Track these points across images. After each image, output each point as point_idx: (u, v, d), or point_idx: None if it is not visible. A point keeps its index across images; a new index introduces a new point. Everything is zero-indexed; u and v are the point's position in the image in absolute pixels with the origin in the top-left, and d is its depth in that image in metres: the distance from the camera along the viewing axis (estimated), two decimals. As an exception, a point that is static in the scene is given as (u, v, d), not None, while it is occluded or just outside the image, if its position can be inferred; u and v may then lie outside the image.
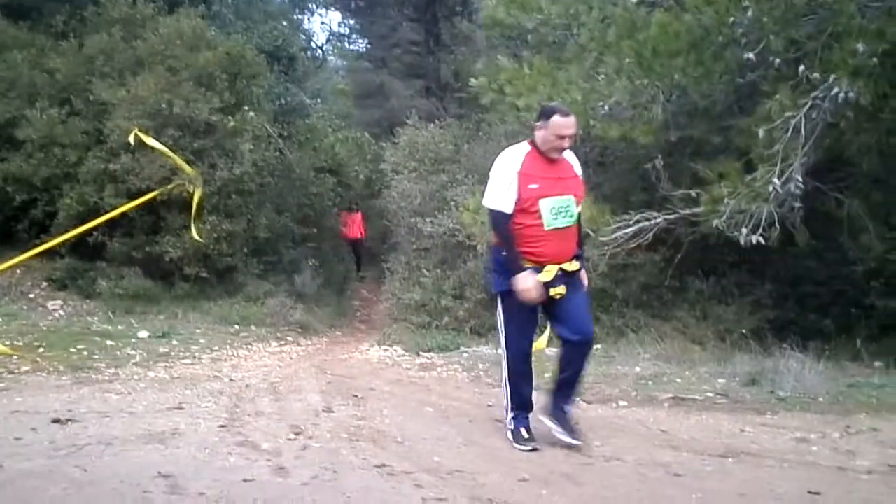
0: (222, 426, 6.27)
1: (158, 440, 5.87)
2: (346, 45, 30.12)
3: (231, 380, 8.07)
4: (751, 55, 8.11)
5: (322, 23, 32.92)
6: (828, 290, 10.51)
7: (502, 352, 5.78)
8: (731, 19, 8.04)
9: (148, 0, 13.81)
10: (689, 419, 6.64)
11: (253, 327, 11.45)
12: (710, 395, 7.37)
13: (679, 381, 7.85)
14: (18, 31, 13.55)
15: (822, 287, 10.57)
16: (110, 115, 12.09)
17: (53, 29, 14.00)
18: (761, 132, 8.07)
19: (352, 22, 29.40)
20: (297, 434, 6.08)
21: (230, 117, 12.24)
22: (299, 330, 11.89)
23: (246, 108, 12.64)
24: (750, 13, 7.93)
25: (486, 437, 6.12)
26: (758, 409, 6.85)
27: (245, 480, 5.06)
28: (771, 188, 8.05)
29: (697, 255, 10.43)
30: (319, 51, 25.71)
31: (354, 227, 19.07)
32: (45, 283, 12.26)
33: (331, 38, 28.81)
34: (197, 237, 10.67)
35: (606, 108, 8.97)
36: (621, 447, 5.81)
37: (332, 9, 28.02)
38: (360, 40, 30.58)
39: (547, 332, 8.60)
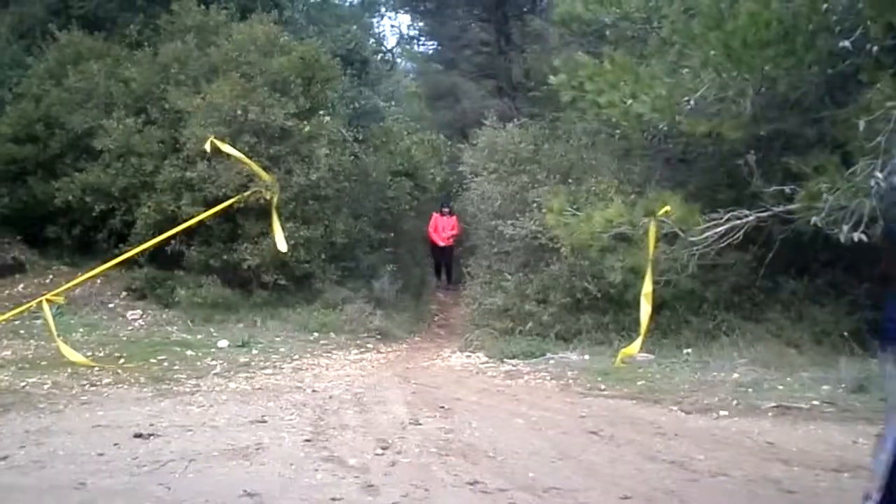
0: (307, 440, 6.14)
1: (242, 455, 5.76)
2: (416, 47, 29.97)
3: (314, 391, 7.93)
4: (846, 43, 7.69)
5: (392, 26, 32.97)
6: (933, 288, 9.97)
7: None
8: (825, 6, 7.62)
9: (220, 7, 13.77)
10: (796, 430, 6.33)
11: (332, 334, 11.29)
12: (815, 403, 7.03)
13: (781, 387, 7.51)
14: (94, 41, 13.64)
15: (927, 285, 10.03)
16: (186, 122, 12.06)
17: (128, 39, 14.06)
18: (861, 124, 7.63)
19: (421, 24, 29.23)
20: (384, 448, 5.91)
21: (305, 122, 12.10)
22: (379, 336, 11.70)
23: (321, 112, 12.51)
24: (844, -1, 7.53)
25: (581, 451, 5.88)
26: (869, 419, 6.44)
27: (333, 500, 4.89)
28: (873, 182, 7.60)
29: (788, 253, 9.98)
30: (389, 54, 25.51)
31: (445, 232, 17.02)
32: (124, 293, 12.30)
33: (400, 40, 28.66)
34: (283, 248, 10.55)
35: (692, 102, 8.60)
36: (727, 461, 5.54)
37: (402, 11, 27.91)
38: (429, 42, 30.44)
39: (640, 338, 8.32)
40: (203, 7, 13.75)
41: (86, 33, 13.74)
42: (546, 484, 5.09)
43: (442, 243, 17.21)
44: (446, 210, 17.00)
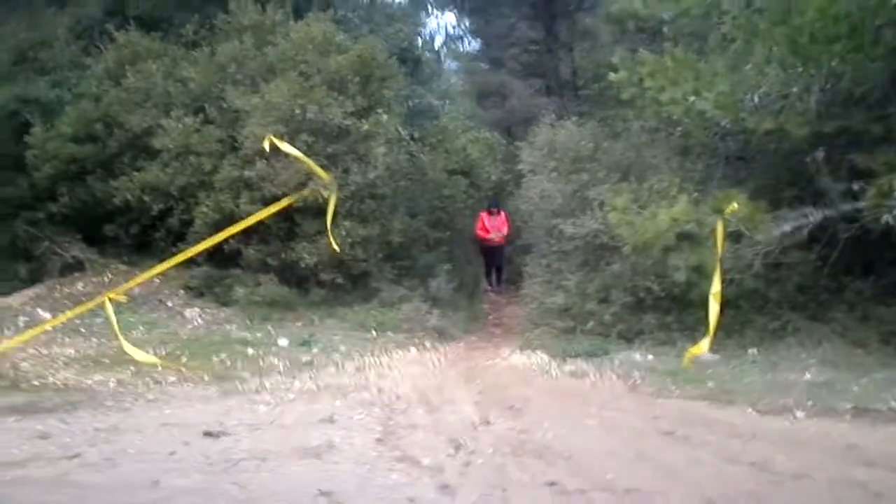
0: (378, 440, 6.11)
1: (314, 455, 5.74)
2: (462, 46, 29.91)
3: (379, 390, 7.88)
4: (919, 37, 7.54)
5: (438, 24, 32.91)
6: None
7: None
8: (894, 1, 7.45)
9: (277, 6, 13.78)
10: (876, 432, 6.17)
11: (390, 333, 11.24)
12: (893, 404, 6.81)
13: (855, 389, 7.33)
14: (151, 41, 13.72)
15: None
16: (244, 122, 12.07)
17: (184, 38, 14.13)
18: (934, 121, 7.47)
19: (467, 22, 29.17)
20: (457, 448, 5.86)
21: (363, 121, 12.07)
22: (436, 335, 11.62)
23: (378, 111, 12.46)
24: (914, -8, 7.35)
25: (658, 451, 5.78)
26: (950, 421, 6.31)
27: (410, 500, 4.85)
28: (944, 179, 7.43)
29: (853, 252, 9.77)
30: (436, 53, 25.48)
31: (498, 230, 16.19)
32: (182, 292, 12.32)
33: (446, 39, 28.61)
34: (335, 246, 10.55)
35: (756, 99, 8.47)
36: (809, 463, 5.42)
37: (448, 10, 27.84)
38: (475, 41, 30.38)
39: (708, 338, 8.19)
40: (259, 6, 13.76)
41: (143, 33, 13.82)
42: (625, 485, 5.02)
43: (496, 240, 16.34)
44: (495, 209, 16.25)
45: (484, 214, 16.27)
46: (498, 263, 17.10)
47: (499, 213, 16.17)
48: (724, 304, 8.53)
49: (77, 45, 14.22)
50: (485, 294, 16.88)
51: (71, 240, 12.96)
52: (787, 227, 8.73)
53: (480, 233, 16.36)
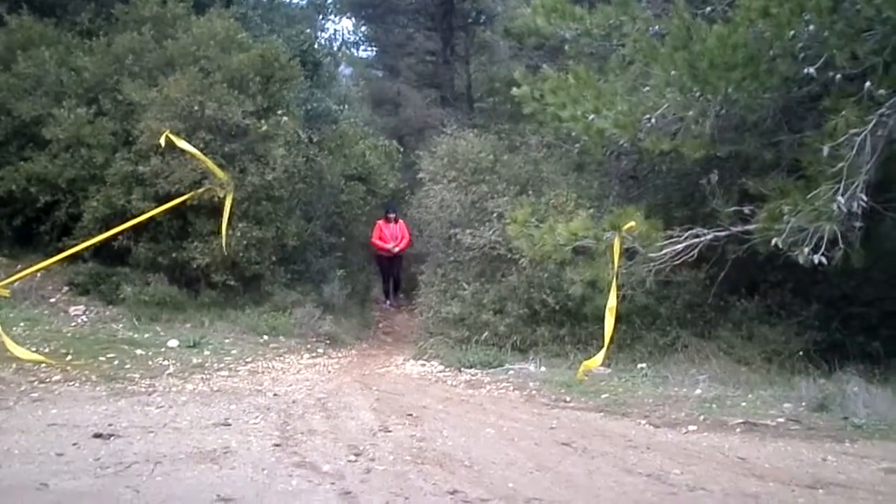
0: (276, 445, 6.03)
1: (210, 459, 5.63)
2: (358, 52, 29.84)
3: (275, 394, 7.79)
4: (811, 70, 7.84)
5: (335, 29, 32.70)
6: (877, 311, 10.18)
7: None
8: (791, 32, 7.73)
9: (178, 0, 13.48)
10: (765, 446, 6.39)
11: (282, 338, 11.11)
12: (781, 420, 7.13)
13: (744, 404, 7.60)
14: (45, 27, 13.18)
15: (871, 308, 10.24)
16: (139, 115, 11.73)
17: (80, 27, 13.61)
18: (826, 149, 7.76)
19: (363, 29, 29.14)
20: (357, 455, 5.82)
21: (262, 121, 11.88)
22: (328, 341, 11.55)
23: (279, 112, 12.29)
24: (811, 27, 7.62)
25: (557, 462, 5.85)
26: (835, 437, 6.63)
27: (312, 507, 4.76)
28: (835, 206, 7.73)
29: (739, 273, 10.14)
30: (334, 57, 25.35)
31: (396, 239, 15.45)
32: (66, 288, 11.88)
33: (342, 45, 28.48)
34: (225, 248, 10.38)
35: (653, 120, 8.67)
36: (702, 475, 5.57)
37: (346, 16, 27.76)
38: (371, 48, 30.35)
39: (603, 351, 8.34)
40: (160, -1, 13.42)
41: (36, 18, 13.22)
42: (527, 495, 5.05)
43: (396, 250, 15.57)
44: (392, 216, 15.51)
45: (381, 223, 15.64)
46: (396, 275, 16.49)
47: (396, 220, 15.55)
48: (616, 319, 8.71)
49: (-37, 28, 13.61)
50: (381, 307, 16.47)
51: (-52, 229, 12.38)
52: (679, 247, 8.93)
53: (377, 242, 15.70)
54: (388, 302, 16.60)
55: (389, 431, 6.49)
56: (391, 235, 15.58)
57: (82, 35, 13.33)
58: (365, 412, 7.17)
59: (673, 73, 8.32)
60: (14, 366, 8.13)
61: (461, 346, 10.40)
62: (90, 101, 12.31)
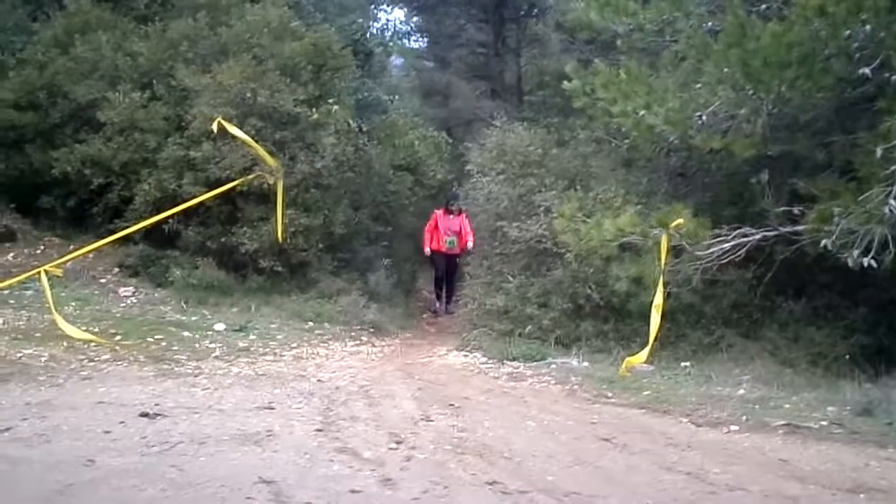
0: (318, 430, 6.06)
1: (254, 441, 5.67)
2: (408, 42, 29.86)
3: (319, 380, 7.85)
4: (867, 70, 7.72)
5: (387, 20, 32.75)
6: (925, 318, 10.05)
7: None
8: (847, 32, 7.61)
9: (233, -12, 13.65)
10: (807, 449, 6.29)
11: (327, 325, 11.19)
12: (823, 423, 7.00)
13: (787, 406, 7.48)
14: (102, 12, 13.41)
15: (920, 314, 10.11)
16: (192, 101, 11.92)
17: (136, 12, 13.86)
18: (879, 151, 7.64)
19: (415, 20, 29.13)
20: (398, 443, 5.84)
21: (313, 110, 11.99)
22: (372, 330, 11.59)
23: (330, 101, 12.39)
24: (868, 27, 7.50)
25: (597, 457, 5.82)
26: (878, 442, 6.50)
27: (352, 491, 4.84)
28: (886, 209, 7.61)
29: (787, 274, 10.03)
30: (385, 47, 25.44)
31: (451, 235, 14.10)
32: (116, 269, 12.12)
33: (393, 35, 28.52)
34: (279, 234, 10.48)
35: (704, 118, 8.59)
36: (742, 476, 5.50)
37: (398, 6, 27.76)
38: (422, 38, 30.34)
39: (647, 348, 8.30)
40: (215, -15, 13.57)
41: (94, 3, 13.49)
42: (565, 488, 5.03)
43: (456, 248, 14.10)
44: (455, 207, 14.08)
45: (438, 213, 14.35)
46: (451, 278, 14.64)
47: (458, 212, 14.11)
48: (662, 317, 8.66)
49: (24, 10, 13.86)
50: (430, 311, 15.17)
51: (4, 209, 12.59)
52: (726, 245, 8.84)
53: (429, 236, 14.40)
54: (437, 306, 14.98)
55: (431, 421, 6.51)
56: (448, 229, 14.20)
57: (138, 20, 13.60)
58: (407, 401, 7.20)
59: (726, 70, 8.24)
60: (65, 344, 8.28)
61: (504, 339, 10.38)
62: (144, 86, 12.55)
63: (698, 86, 8.86)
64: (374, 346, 10.76)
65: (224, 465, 5.18)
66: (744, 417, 7.07)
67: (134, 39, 13.01)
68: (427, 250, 14.54)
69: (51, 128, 12.65)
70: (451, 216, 14.22)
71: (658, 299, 8.47)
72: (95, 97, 12.30)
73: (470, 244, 13.62)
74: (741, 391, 7.99)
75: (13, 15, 13.53)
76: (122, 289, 11.45)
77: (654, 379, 8.57)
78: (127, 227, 10.60)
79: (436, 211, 14.56)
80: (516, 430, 6.42)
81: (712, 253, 8.85)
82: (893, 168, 7.62)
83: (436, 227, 14.33)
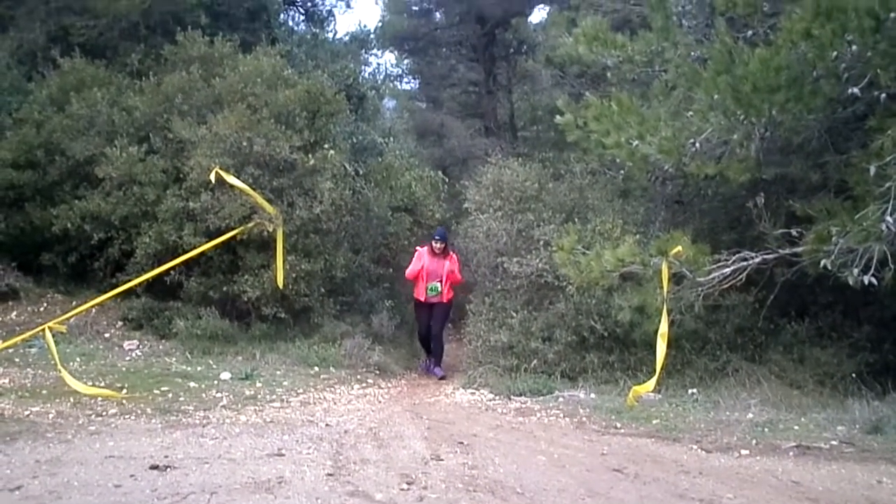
0: (329, 475, 6.04)
1: (265, 489, 5.66)
2: (400, 84, 30.08)
3: (327, 424, 7.82)
4: (856, 90, 7.78)
5: (378, 63, 33.03)
6: (929, 333, 10.08)
7: None
8: (834, 53, 7.67)
9: (225, 39, 13.75)
10: (819, 469, 6.32)
11: (332, 369, 11.17)
12: (834, 443, 7.05)
13: (797, 428, 7.51)
14: (96, 69, 13.53)
15: (923, 329, 10.13)
16: (189, 153, 11.98)
17: (130, 68, 14.03)
18: (872, 168, 7.70)
19: (406, 62, 29.36)
20: (409, 484, 5.83)
21: (310, 155, 12.06)
22: (377, 372, 11.58)
23: (325, 146, 12.46)
24: (854, 47, 7.57)
25: (609, 488, 5.83)
26: (890, 459, 6.56)
27: (367, 535, 4.78)
28: (884, 226, 7.64)
29: (788, 296, 10.09)
30: (378, 91, 25.62)
31: (439, 278, 11.99)
32: (120, 323, 12.13)
33: (385, 78, 28.72)
34: (280, 281, 10.51)
35: (697, 145, 8.64)
36: (755, 500, 5.54)
37: (388, 50, 28.02)
38: (413, 79, 30.56)
39: (655, 377, 8.31)
40: (207, 38, 13.71)
41: (88, 61, 13.63)
42: (580, 522, 5.02)
43: (441, 297, 12.11)
44: (439, 245, 12.04)
45: (422, 251, 12.31)
46: (436, 331, 12.44)
47: (445, 253, 12.17)
48: (668, 345, 8.67)
49: (19, 70, 13.97)
50: (419, 368, 12.96)
51: (6, 268, 12.55)
52: (727, 270, 8.87)
53: (411, 278, 12.35)
54: (424, 362, 12.90)
55: (441, 460, 6.49)
56: (432, 273, 12.11)
57: (132, 76, 13.74)
58: (416, 441, 7.18)
59: (716, 97, 8.31)
60: (72, 399, 8.27)
61: (510, 375, 10.43)
62: (141, 140, 12.63)
63: (690, 113, 8.93)
64: (380, 387, 10.75)
65: (237, 513, 5.17)
66: (754, 441, 7.09)
67: (129, 94, 13.10)
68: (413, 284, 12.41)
69: (49, 185, 12.68)
70: (437, 256, 12.13)
71: (663, 327, 8.48)
72: (93, 153, 12.35)
73: (450, 288, 12.18)
74: (750, 415, 8.01)
75: (8, 75, 13.62)
76: (126, 342, 11.44)
77: (663, 407, 8.58)
78: (129, 281, 10.61)
79: (418, 248, 12.53)
80: (527, 465, 6.41)
81: (713, 278, 8.87)
82: (888, 185, 7.68)
83: (418, 271, 12.17)
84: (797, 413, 8.09)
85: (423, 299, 12.25)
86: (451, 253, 12.41)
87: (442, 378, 11.89)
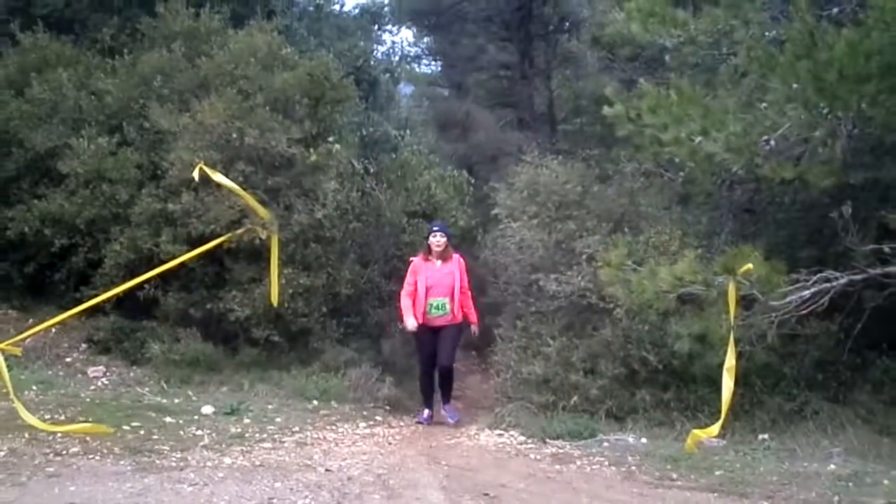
0: (330, 530, 6.00)
1: (254, 546, 5.62)
2: (419, 67, 30.13)
3: (327, 470, 7.80)
4: (962, 81, 7.70)
5: (393, 42, 33.05)
6: None
7: None
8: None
9: (213, 11, 13.78)
10: (912, 532, 6.23)
11: (334, 403, 11.18)
12: (931, 502, 6.93)
13: (887, 482, 7.43)
14: (62, 46, 13.60)
15: None
16: (169, 145, 12.04)
17: (101, 44, 14.07)
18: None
19: (426, 41, 29.40)
20: (425, 543, 5.78)
21: (311, 150, 12.08)
22: (388, 407, 11.61)
23: (330, 139, 12.48)
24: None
25: (662, 553, 5.75)
26: None
27: None
28: None
29: (880, 324, 9.97)
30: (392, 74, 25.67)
31: (444, 292, 10.90)
32: (84, 345, 12.21)
33: (401, 59, 28.72)
34: (275, 298, 10.49)
35: (772, 143, 8.58)
36: (838, 571, 5.43)
37: (405, 26, 28.05)
38: (434, 61, 30.60)
39: (720, 420, 8.24)
40: (192, 11, 13.79)
41: (52, 36, 13.70)
42: (627, 592, 4.99)
43: (448, 314, 10.98)
44: (438, 240, 11.09)
45: (417, 261, 11.27)
46: (445, 360, 11.16)
47: (445, 255, 11.14)
48: (735, 382, 8.61)
49: (-29, 49, 14.09)
50: (418, 419, 11.26)
51: (-49, 279, 12.73)
52: (806, 293, 8.80)
53: (409, 303, 11.02)
54: (425, 414, 11.26)
55: (462, 514, 6.49)
56: (435, 286, 11.01)
57: (104, 54, 13.80)
58: (433, 491, 7.16)
59: (795, 86, 8.24)
60: (27, 435, 8.29)
61: (545, 413, 10.39)
62: (112, 130, 12.71)
63: (764, 105, 8.87)
64: (390, 426, 10.74)
65: (220, 576, 5.17)
66: (836, 498, 7.02)
67: (99, 76, 13.16)
68: (410, 322, 10.96)
69: (4, 182, 12.77)
70: (435, 262, 11.15)
71: (730, 361, 8.39)
72: (56, 144, 12.41)
73: (462, 305, 11.15)
74: (831, 466, 7.96)
75: (-41, 53, 13.74)
76: (91, 368, 11.49)
77: (727, 455, 8.53)
78: (95, 296, 10.58)
79: (413, 259, 11.47)
80: (565, 523, 6.40)
81: (790, 302, 8.80)
82: None
83: (413, 288, 11.07)
84: (887, 464, 8.00)
85: (421, 321, 10.95)
86: (456, 254, 11.35)
87: (456, 421, 11.06)
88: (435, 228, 11.31)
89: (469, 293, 11.38)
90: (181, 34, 13.42)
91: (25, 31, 13.66)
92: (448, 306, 10.98)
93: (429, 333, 11.07)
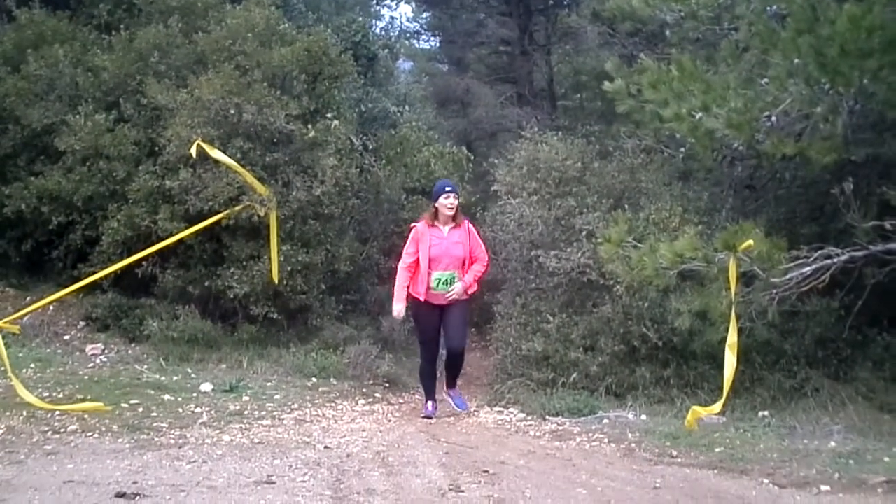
0: (329, 507, 6.01)
1: (253, 523, 5.63)
2: (418, 42, 30.01)
3: (326, 447, 7.81)
4: (966, 57, 7.67)
5: (392, 17, 32.96)
6: None
7: None
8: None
9: (210, -14, 13.79)
10: (913, 508, 6.24)
11: (333, 380, 11.23)
12: (931, 478, 6.93)
13: (887, 459, 7.43)
14: (58, 22, 13.55)
15: None
16: (166, 122, 12.01)
17: (97, 20, 14.03)
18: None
19: (425, 16, 29.26)
20: (424, 520, 5.79)
21: (309, 126, 12.06)
22: (387, 385, 11.63)
23: (329, 115, 12.46)
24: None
25: (662, 529, 5.76)
26: None
27: (371, 581, 4.78)
28: None
29: (881, 301, 9.96)
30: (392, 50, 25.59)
31: (454, 262, 9.56)
32: (82, 323, 12.19)
33: (400, 34, 28.61)
34: (275, 275, 10.48)
35: (773, 118, 8.55)
36: (838, 546, 5.44)
37: (405, 1, 27.95)
38: (433, 37, 30.46)
39: (723, 398, 8.23)
40: (189, -14, 13.71)
41: (48, 12, 13.65)
42: (626, 569, 5.00)
43: (449, 295, 9.60)
44: (450, 202, 9.62)
45: (420, 227, 9.80)
46: (456, 344, 9.93)
47: (457, 222, 9.79)
48: (738, 359, 8.60)
49: (-33, 24, 14.05)
50: (423, 411, 10.04)
51: (-53, 256, 12.72)
52: (807, 270, 8.78)
53: (405, 277, 9.74)
54: (430, 407, 10.02)
55: (462, 491, 6.47)
56: (442, 255, 9.64)
57: (100, 30, 13.77)
58: (432, 468, 7.16)
59: (796, 61, 8.20)
60: (25, 413, 8.29)
61: (545, 390, 10.41)
62: (109, 106, 12.68)
63: (765, 81, 8.83)
64: (390, 403, 10.77)
65: (217, 552, 5.18)
66: (836, 475, 7.01)
67: (96, 52, 13.11)
68: (397, 308, 9.84)
69: (1, 159, 12.77)
70: (443, 228, 9.77)
71: (732, 338, 8.36)
72: (53, 121, 12.41)
73: (474, 277, 9.83)
74: (832, 444, 7.96)
75: (-46, 29, 13.70)
76: (89, 346, 11.50)
77: (727, 432, 8.53)
78: (93, 273, 10.63)
79: (415, 225, 10.00)
80: (564, 499, 6.38)
81: (790, 279, 8.78)
82: None
83: (413, 259, 9.71)
84: (888, 442, 8.00)
85: (423, 298, 9.71)
86: (467, 221, 9.99)
87: (464, 409, 10.14)
88: (448, 188, 9.72)
89: (487, 266, 10.18)
90: (178, 9, 13.39)
91: (22, 7, 13.62)
92: (456, 279, 9.63)
93: (433, 313, 9.80)
